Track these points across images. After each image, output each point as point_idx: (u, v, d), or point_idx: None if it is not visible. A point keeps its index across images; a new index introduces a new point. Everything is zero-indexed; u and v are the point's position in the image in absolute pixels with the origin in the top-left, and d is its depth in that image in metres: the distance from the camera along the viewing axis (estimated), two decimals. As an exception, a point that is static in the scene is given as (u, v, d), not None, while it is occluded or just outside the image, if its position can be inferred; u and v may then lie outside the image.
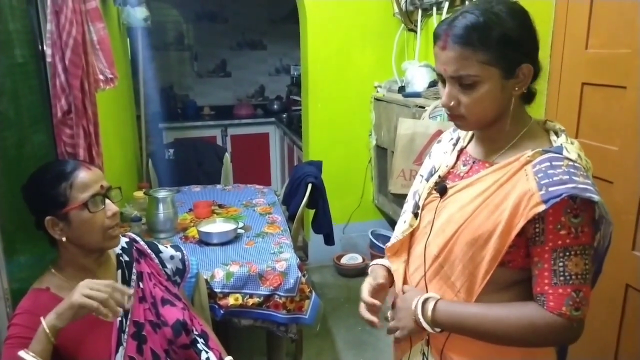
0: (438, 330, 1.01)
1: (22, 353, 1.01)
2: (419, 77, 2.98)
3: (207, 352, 1.35)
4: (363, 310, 1.13)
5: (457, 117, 0.99)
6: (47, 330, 1.02)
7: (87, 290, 1.03)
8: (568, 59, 1.82)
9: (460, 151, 1.10)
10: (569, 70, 1.83)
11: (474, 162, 1.05)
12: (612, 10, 1.64)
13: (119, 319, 1.22)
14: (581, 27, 1.75)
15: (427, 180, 1.11)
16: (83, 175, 1.20)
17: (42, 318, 1.04)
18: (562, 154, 0.91)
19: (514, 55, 0.91)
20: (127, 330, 1.23)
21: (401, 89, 3.09)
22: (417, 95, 2.85)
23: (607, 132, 1.67)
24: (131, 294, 1.15)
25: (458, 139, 1.13)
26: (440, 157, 1.13)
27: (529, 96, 1.01)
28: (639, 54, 1.52)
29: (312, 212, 2.87)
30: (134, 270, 1.35)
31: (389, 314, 1.14)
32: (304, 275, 1.94)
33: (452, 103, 0.96)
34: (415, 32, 3.28)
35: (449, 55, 0.92)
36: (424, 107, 2.63)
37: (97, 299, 1.03)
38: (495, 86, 0.92)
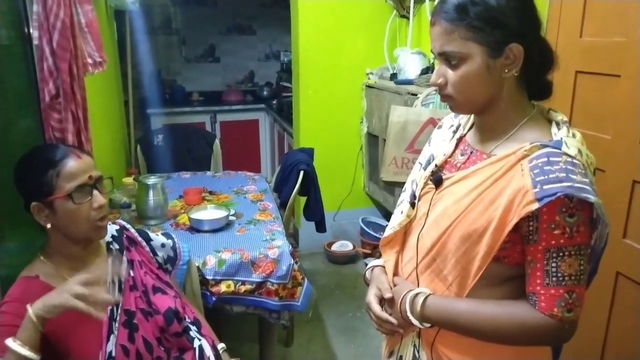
0: (427, 325, 1.00)
1: (9, 341, 1.00)
2: (411, 64, 2.97)
3: (199, 340, 1.35)
4: (380, 322, 1.08)
5: (446, 97, 0.98)
6: (34, 319, 1.00)
7: (78, 290, 1.00)
8: (562, 47, 1.82)
9: (460, 139, 1.08)
10: (562, 58, 1.79)
11: (471, 152, 1.02)
12: (607, -2, 1.64)
13: (110, 307, 1.21)
14: (576, 14, 1.75)
15: (425, 169, 1.10)
16: (72, 164, 1.17)
17: (28, 306, 1.02)
18: (560, 149, 0.88)
19: (498, 33, 0.88)
20: (118, 318, 1.21)
21: (393, 76, 3.08)
22: (409, 82, 2.84)
23: (600, 120, 1.67)
24: (119, 300, 1.13)
25: (458, 127, 1.10)
26: (439, 144, 1.11)
27: (540, 89, 0.99)
28: (634, 43, 1.52)
29: (303, 199, 2.86)
30: (125, 258, 1.33)
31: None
32: (296, 263, 1.93)
33: (440, 81, 0.95)
34: (408, 18, 3.25)
35: (436, 31, 0.93)
36: (416, 95, 2.62)
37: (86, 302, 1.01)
38: (480, 65, 0.90)
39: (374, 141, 3.34)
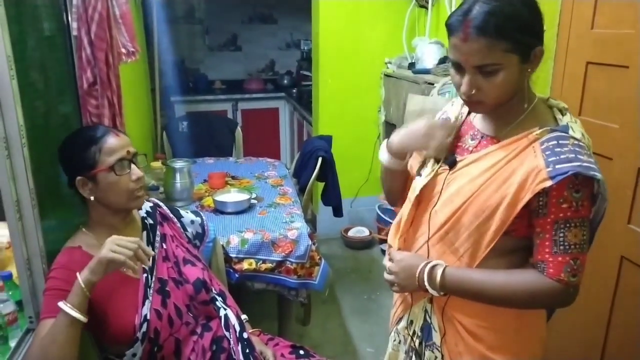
0: (442, 294, 1.09)
1: (61, 304, 1.11)
2: (429, 53, 3.03)
3: (225, 310, 1.46)
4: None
5: (475, 103, 1.04)
6: (83, 285, 1.11)
7: (114, 246, 1.13)
8: (574, 39, 1.87)
9: (462, 123, 1.17)
10: (574, 49, 1.87)
11: (482, 137, 1.11)
12: (618, -9, 1.69)
13: (145, 275, 1.33)
14: (587, 7, 1.79)
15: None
16: (111, 140, 1.29)
17: (77, 274, 1.13)
18: (568, 133, 0.98)
19: (530, 40, 0.96)
20: (152, 285, 1.33)
21: (411, 66, 3.14)
22: (426, 71, 2.90)
23: (609, 110, 1.72)
24: (153, 254, 1.25)
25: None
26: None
27: None
28: (643, 35, 1.58)
29: (321, 185, 2.96)
30: (158, 232, 1.45)
31: (386, 265, 1.19)
32: (314, 244, 2.04)
33: (474, 91, 1.00)
34: (427, 8, 3.30)
35: (473, 47, 0.95)
36: (433, 84, 2.68)
37: (124, 254, 1.12)
38: (514, 71, 0.97)
39: (391, 130, 3.40)
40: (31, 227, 1.34)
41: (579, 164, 0.94)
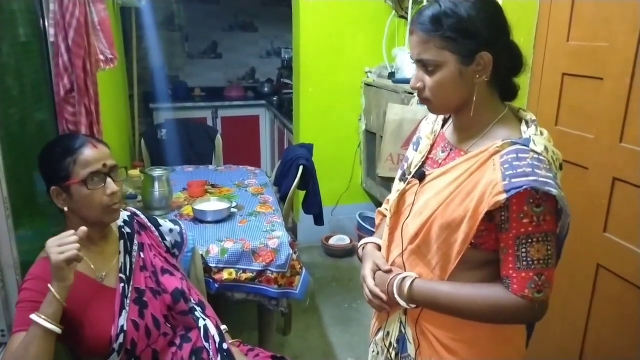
0: (413, 306, 1.10)
1: (34, 316, 1.08)
2: (408, 63, 3.06)
3: (204, 320, 1.44)
4: (372, 296, 1.15)
5: (424, 100, 1.07)
6: (56, 293, 1.09)
7: (59, 248, 1.09)
8: (550, 50, 1.91)
9: (437, 137, 1.17)
10: (550, 61, 1.91)
11: (451, 149, 1.11)
12: (592, 5, 1.73)
13: (122, 284, 1.30)
14: (563, 19, 1.84)
15: (415, 150, 1.19)
16: (87, 152, 1.26)
17: (49, 285, 1.10)
18: (528, 146, 0.97)
19: (469, 42, 0.97)
20: (129, 295, 1.31)
21: (391, 75, 3.16)
22: (406, 81, 2.92)
23: (584, 120, 1.76)
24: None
25: (435, 119, 1.21)
26: (424, 141, 1.20)
27: (509, 91, 1.08)
28: (616, 47, 1.61)
29: (302, 193, 2.95)
30: (135, 241, 1.42)
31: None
32: (294, 252, 2.02)
33: (419, 84, 1.05)
34: (406, 18, 3.34)
35: (414, 40, 1.02)
36: (412, 93, 2.71)
37: (73, 248, 1.09)
38: (453, 71, 0.99)
39: (371, 138, 3.43)
40: (4, 236, 1.31)
41: (534, 178, 0.92)
